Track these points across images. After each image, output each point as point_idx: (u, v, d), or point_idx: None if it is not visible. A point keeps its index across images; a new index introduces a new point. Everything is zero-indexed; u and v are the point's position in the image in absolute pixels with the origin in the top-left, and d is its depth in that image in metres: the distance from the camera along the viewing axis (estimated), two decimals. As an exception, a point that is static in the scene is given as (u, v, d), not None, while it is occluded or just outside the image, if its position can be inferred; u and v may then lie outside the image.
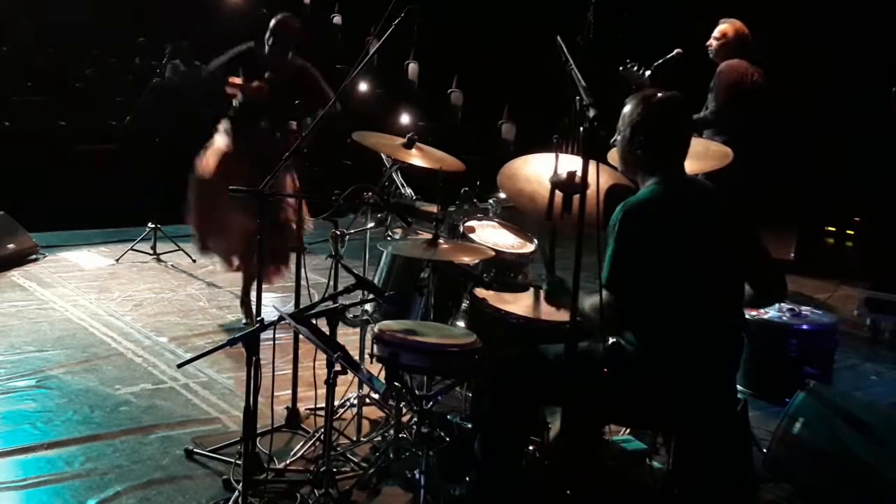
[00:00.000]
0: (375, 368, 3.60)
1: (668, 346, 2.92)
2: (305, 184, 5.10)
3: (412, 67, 12.47)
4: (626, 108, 3.09)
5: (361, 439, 3.91)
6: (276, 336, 3.64)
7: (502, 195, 4.26)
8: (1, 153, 8.16)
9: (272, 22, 5.38)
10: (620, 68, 5.30)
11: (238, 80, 5.29)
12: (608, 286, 2.86)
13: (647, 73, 5.23)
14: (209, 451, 3.74)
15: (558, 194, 3.31)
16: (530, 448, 3.41)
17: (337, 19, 13.13)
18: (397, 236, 4.19)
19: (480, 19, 11.39)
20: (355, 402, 4.04)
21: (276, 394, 3.60)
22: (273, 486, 3.41)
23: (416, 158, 4.07)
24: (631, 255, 2.89)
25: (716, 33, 5.85)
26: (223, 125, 5.51)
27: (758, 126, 5.56)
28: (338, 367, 3.02)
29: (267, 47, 5.37)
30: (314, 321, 3.18)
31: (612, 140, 3.12)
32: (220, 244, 5.60)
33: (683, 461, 3.08)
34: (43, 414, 4.15)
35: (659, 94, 3.09)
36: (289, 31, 5.40)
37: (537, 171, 3.72)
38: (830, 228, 8.13)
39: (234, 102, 5.46)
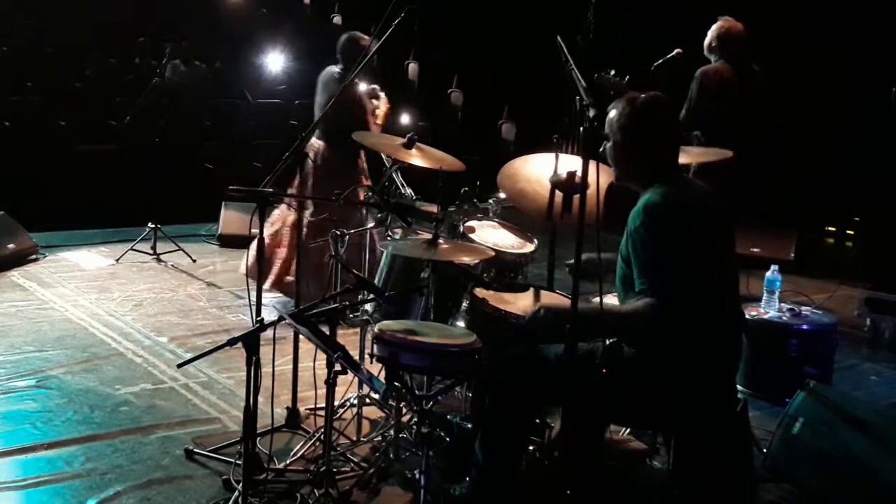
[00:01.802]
0: (375, 368, 3.60)
1: (670, 346, 2.92)
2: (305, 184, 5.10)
3: (412, 67, 12.47)
4: (612, 113, 3.06)
5: (361, 439, 3.91)
6: (276, 336, 3.63)
7: (502, 195, 4.26)
8: (1, 153, 8.17)
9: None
10: (596, 76, 5.28)
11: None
12: (656, 292, 2.83)
13: (626, 79, 5.22)
14: (209, 451, 3.74)
15: (558, 194, 3.32)
16: (530, 448, 3.41)
17: (337, 19, 13.14)
18: (397, 236, 4.19)
19: (480, 19, 11.40)
20: (355, 402, 4.04)
21: (276, 394, 3.61)
22: (273, 486, 3.41)
23: (416, 158, 4.07)
24: (667, 256, 2.87)
25: (709, 32, 5.86)
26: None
27: (734, 129, 5.52)
28: (338, 367, 3.02)
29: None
30: (314, 321, 3.18)
31: (600, 149, 3.09)
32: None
33: (683, 461, 3.08)
34: (43, 414, 4.15)
35: (643, 97, 3.07)
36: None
37: (537, 171, 3.72)
38: (830, 228, 8.13)
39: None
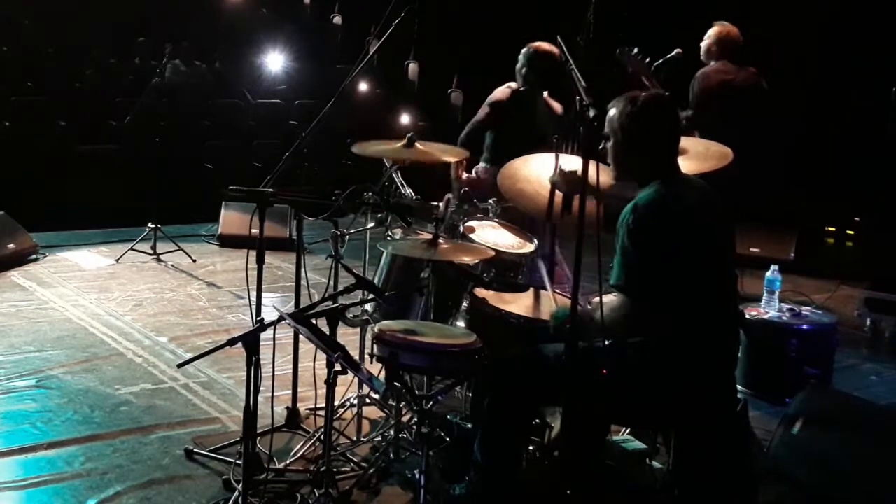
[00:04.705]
0: (375, 368, 3.60)
1: (671, 346, 2.92)
2: (305, 184, 5.09)
3: (412, 67, 12.46)
4: (612, 112, 3.05)
5: (361, 439, 3.91)
6: (276, 336, 3.63)
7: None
8: (1, 153, 8.17)
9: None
10: (617, 51, 5.27)
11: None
12: (623, 288, 2.86)
13: (647, 60, 5.21)
14: (209, 451, 3.74)
15: (558, 194, 3.32)
16: (530, 448, 3.42)
17: (337, 19, 13.14)
18: (397, 236, 4.19)
19: (480, 19, 11.39)
20: (355, 402, 4.04)
21: (276, 394, 3.60)
22: (273, 486, 3.41)
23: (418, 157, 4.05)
24: (646, 256, 2.88)
25: (705, 37, 5.88)
26: None
27: (735, 128, 5.51)
28: (338, 367, 3.02)
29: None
30: (314, 321, 3.18)
31: (599, 147, 3.09)
32: None
33: (683, 461, 3.08)
34: (43, 414, 4.15)
35: (643, 95, 3.07)
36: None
37: (537, 171, 3.72)
38: (830, 228, 8.12)
39: None
